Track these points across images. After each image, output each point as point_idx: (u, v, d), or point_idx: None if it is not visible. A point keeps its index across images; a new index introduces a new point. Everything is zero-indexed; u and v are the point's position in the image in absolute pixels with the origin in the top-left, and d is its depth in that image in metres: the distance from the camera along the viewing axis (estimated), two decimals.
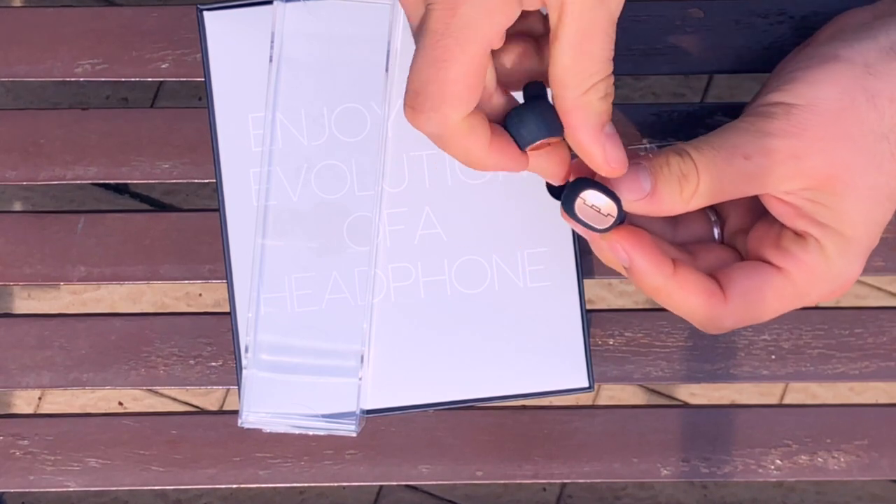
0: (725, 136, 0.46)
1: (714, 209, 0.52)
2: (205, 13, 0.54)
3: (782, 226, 0.48)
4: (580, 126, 0.44)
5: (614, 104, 0.45)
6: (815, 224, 0.47)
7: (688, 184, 0.46)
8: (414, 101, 0.43)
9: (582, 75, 0.44)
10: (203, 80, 0.55)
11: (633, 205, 0.46)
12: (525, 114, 0.45)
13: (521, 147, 0.45)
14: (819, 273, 0.47)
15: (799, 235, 0.47)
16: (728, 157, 0.46)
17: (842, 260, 0.47)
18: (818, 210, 0.46)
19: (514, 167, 0.46)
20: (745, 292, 0.48)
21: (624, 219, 0.46)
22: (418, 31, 0.43)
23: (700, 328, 0.49)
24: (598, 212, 0.46)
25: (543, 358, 0.55)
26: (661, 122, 0.57)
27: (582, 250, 0.56)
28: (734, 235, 0.51)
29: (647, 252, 0.47)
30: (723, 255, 0.50)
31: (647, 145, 0.57)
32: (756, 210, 0.50)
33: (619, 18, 0.44)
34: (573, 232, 0.54)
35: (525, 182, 0.54)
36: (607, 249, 0.47)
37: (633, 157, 0.46)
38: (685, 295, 0.47)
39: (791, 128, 0.46)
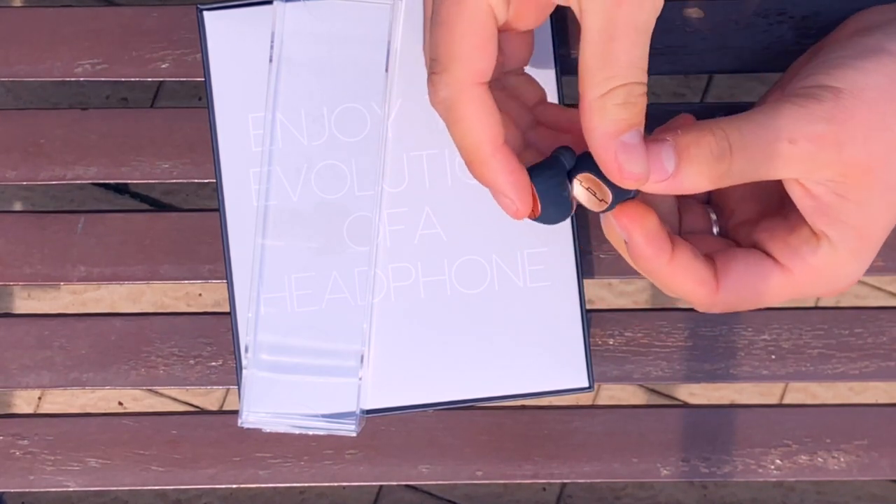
0: (772, 115, 0.45)
1: (716, 203, 0.52)
2: (205, 13, 0.54)
3: (794, 222, 0.47)
4: (592, 129, 0.44)
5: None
6: (836, 223, 0.46)
7: (719, 164, 0.45)
8: (432, 67, 0.45)
9: (598, 77, 0.43)
10: (203, 80, 0.55)
11: (652, 186, 0.45)
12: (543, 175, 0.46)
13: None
14: (824, 275, 0.47)
15: (813, 234, 0.47)
16: (773, 140, 0.44)
17: (853, 263, 0.47)
18: (844, 207, 0.46)
19: (506, 178, 0.45)
20: (739, 286, 0.47)
21: (635, 195, 0.46)
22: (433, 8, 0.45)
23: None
24: (594, 195, 0.46)
25: (543, 358, 0.55)
26: (661, 122, 0.57)
27: (582, 250, 0.56)
28: (739, 227, 0.51)
29: (648, 234, 0.46)
30: (722, 247, 0.49)
31: None
32: (767, 202, 0.50)
33: None
34: (573, 232, 0.54)
35: None
36: (612, 223, 0.47)
37: (661, 132, 0.45)
38: (679, 281, 0.47)
39: (839, 113, 0.45)
